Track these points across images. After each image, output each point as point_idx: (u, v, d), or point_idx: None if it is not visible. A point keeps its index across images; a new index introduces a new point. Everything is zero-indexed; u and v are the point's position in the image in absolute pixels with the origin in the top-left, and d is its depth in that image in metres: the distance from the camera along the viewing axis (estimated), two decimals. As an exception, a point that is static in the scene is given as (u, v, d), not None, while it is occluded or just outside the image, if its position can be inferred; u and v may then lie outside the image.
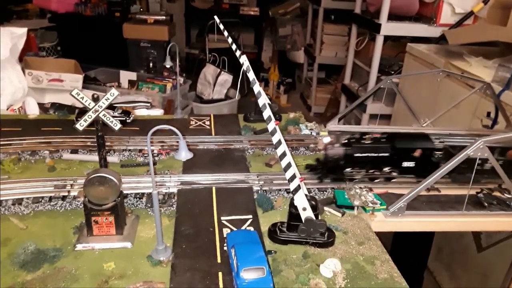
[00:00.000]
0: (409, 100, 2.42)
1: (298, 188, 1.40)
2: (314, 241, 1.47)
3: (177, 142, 2.10)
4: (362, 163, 1.78)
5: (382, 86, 2.35)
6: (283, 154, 1.38)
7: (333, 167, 1.79)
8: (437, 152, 1.81)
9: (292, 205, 1.45)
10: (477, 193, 1.78)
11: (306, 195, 1.43)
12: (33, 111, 2.77)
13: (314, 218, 1.42)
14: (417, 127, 2.31)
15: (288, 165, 1.39)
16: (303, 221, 1.43)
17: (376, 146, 1.76)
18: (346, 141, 1.78)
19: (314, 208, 1.43)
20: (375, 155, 1.76)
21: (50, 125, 2.26)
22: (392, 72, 4.09)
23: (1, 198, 1.62)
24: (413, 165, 1.79)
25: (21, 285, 1.26)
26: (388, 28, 3.89)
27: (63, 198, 1.67)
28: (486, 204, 1.73)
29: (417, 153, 1.78)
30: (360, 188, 1.74)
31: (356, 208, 1.68)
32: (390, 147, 1.77)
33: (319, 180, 1.82)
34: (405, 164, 1.79)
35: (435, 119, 2.40)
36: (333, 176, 1.81)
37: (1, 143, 2.00)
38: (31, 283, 1.26)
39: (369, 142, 1.77)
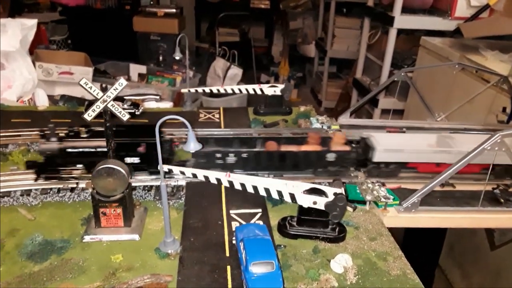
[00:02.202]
0: (422, 95, 2.37)
1: (293, 195, 1.39)
2: (325, 236, 1.44)
3: (186, 134, 2.08)
4: (79, 159, 1.64)
5: (395, 79, 2.30)
6: (255, 188, 1.39)
7: (47, 164, 1.66)
8: (165, 147, 1.74)
9: (302, 199, 1.42)
10: (493, 189, 1.74)
11: (305, 190, 1.40)
12: (42, 103, 2.78)
13: (330, 201, 1.38)
14: (431, 121, 2.26)
15: (268, 191, 1.40)
16: (325, 209, 1.39)
17: (92, 139, 1.62)
18: (63, 134, 1.65)
19: (322, 192, 1.40)
20: (93, 150, 1.62)
21: (59, 117, 2.25)
22: (406, 66, 4.02)
23: (10, 189, 1.62)
24: (138, 161, 1.68)
25: (28, 276, 1.25)
26: (402, 21, 3.82)
27: (72, 189, 1.66)
28: (502, 200, 1.69)
29: (141, 148, 1.66)
30: (373, 182, 1.71)
31: (368, 203, 1.64)
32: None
33: (35, 179, 1.66)
34: (129, 160, 1.67)
35: (449, 114, 2.35)
36: (46, 174, 1.67)
37: (11, 134, 2.00)
38: (38, 274, 1.25)
39: (85, 135, 1.63)
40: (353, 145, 1.85)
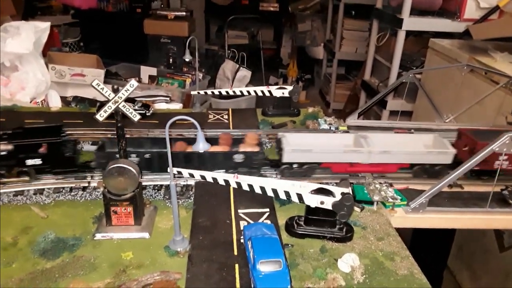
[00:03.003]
0: (431, 96, 2.37)
1: (300, 196, 1.40)
2: (332, 235, 1.45)
3: (195, 135, 2.11)
4: None
5: (404, 81, 2.30)
6: (262, 188, 1.42)
7: None
8: (67, 147, 1.73)
9: (309, 198, 1.43)
10: (502, 190, 1.73)
11: (313, 190, 1.41)
12: (55, 104, 2.83)
13: (337, 200, 1.39)
14: (439, 123, 2.26)
15: (275, 192, 1.41)
16: (333, 208, 1.40)
17: None
18: None
19: (330, 192, 1.42)
20: None
21: (71, 118, 2.29)
22: (414, 68, 4.01)
23: (24, 188, 1.66)
24: (40, 162, 1.66)
25: (41, 272, 1.28)
26: (410, 23, 3.82)
27: (84, 188, 1.69)
28: (511, 202, 1.68)
29: (43, 149, 1.65)
30: (380, 183, 1.72)
31: (375, 203, 1.65)
32: (9, 143, 1.62)
33: None
34: (30, 162, 1.64)
35: (458, 115, 2.35)
36: None
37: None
38: (50, 271, 1.29)
39: None
40: (265, 146, 1.83)
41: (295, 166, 1.81)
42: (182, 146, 1.82)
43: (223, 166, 1.78)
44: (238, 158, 1.76)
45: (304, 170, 1.81)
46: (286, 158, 1.78)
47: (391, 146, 1.82)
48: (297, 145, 1.80)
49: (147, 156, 1.72)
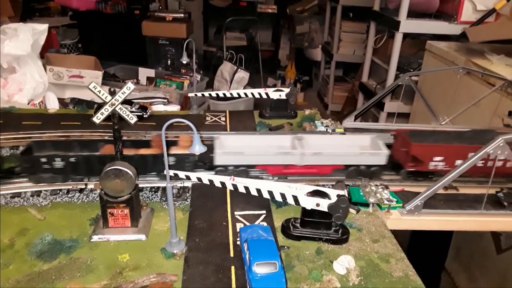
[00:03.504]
0: (428, 98, 2.37)
1: (296, 198, 1.41)
2: (328, 237, 1.46)
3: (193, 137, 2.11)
4: None
5: (400, 83, 2.31)
6: (258, 190, 1.43)
7: None
8: None
9: (305, 200, 1.44)
10: (497, 192, 1.74)
11: (309, 192, 1.42)
12: (53, 106, 2.83)
13: (333, 202, 1.40)
14: (435, 125, 2.27)
15: (271, 194, 1.42)
16: (328, 210, 1.40)
17: None
18: None
19: (325, 194, 1.42)
20: None
21: (69, 120, 2.29)
22: (411, 70, 4.02)
23: (21, 190, 1.66)
24: None
25: (37, 274, 1.28)
26: (408, 25, 3.83)
27: (81, 190, 1.70)
28: (506, 204, 1.69)
29: None
30: (376, 185, 1.72)
31: (371, 205, 1.66)
32: None
33: None
34: None
35: (454, 118, 2.35)
36: None
37: (21, 136, 2.03)
38: (47, 272, 1.29)
39: None
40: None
41: (230, 168, 1.80)
42: (110, 149, 1.79)
43: (154, 169, 1.75)
44: (170, 160, 1.74)
45: (238, 172, 1.81)
46: (217, 161, 1.77)
47: (325, 147, 1.82)
48: (230, 148, 1.80)
49: (72, 160, 1.68)
